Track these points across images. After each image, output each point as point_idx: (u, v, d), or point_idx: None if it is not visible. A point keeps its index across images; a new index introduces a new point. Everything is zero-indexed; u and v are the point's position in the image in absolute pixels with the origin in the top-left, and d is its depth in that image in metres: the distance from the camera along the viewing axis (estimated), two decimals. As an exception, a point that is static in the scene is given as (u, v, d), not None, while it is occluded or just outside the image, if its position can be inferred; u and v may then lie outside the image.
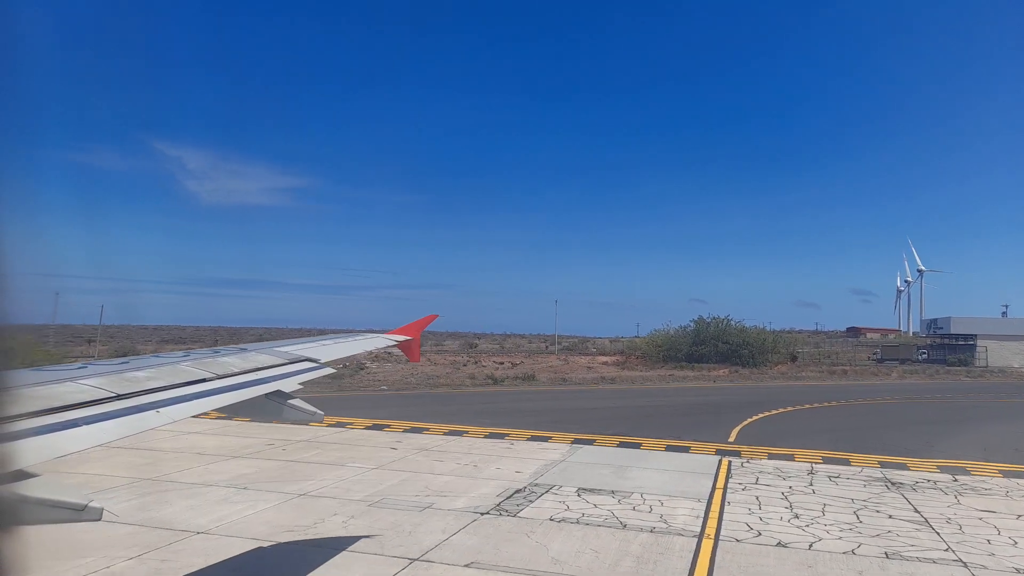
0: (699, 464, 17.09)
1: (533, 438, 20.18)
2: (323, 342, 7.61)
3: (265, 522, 11.17)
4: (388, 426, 21.94)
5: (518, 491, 13.52)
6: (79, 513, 3.32)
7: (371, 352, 9.15)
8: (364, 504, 12.39)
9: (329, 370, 6.57)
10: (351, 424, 22.07)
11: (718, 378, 48.57)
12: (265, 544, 10.03)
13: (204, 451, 17.25)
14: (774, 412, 28.89)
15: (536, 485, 14.08)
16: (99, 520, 3.52)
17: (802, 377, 52.18)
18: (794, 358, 67.30)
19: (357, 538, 10.39)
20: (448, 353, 72.27)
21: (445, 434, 20.62)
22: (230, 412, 5.39)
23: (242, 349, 6.69)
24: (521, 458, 17.02)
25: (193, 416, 4.55)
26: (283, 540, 10.27)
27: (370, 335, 8.49)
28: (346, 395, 31.81)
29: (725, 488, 14.47)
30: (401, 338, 8.40)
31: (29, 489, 3.09)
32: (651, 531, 11.18)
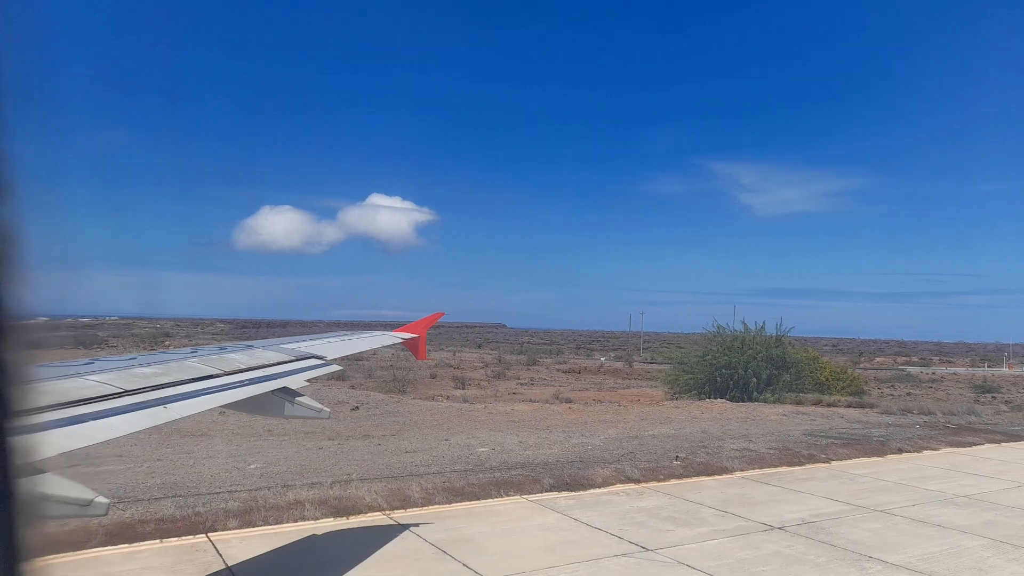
0: None
1: None
2: (329, 339, 7.59)
3: None
4: None
5: None
6: (85, 508, 3.32)
7: (374, 350, 9.11)
8: None
9: (335, 367, 6.55)
10: None
11: None
12: None
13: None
14: None
15: None
16: (104, 515, 3.49)
17: None
18: None
19: None
20: None
21: None
22: (236, 409, 5.38)
23: (248, 346, 6.68)
24: None
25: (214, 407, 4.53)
26: None
27: (376, 333, 8.46)
28: None
29: None
30: (407, 336, 8.37)
31: (36, 484, 3.08)
32: None
